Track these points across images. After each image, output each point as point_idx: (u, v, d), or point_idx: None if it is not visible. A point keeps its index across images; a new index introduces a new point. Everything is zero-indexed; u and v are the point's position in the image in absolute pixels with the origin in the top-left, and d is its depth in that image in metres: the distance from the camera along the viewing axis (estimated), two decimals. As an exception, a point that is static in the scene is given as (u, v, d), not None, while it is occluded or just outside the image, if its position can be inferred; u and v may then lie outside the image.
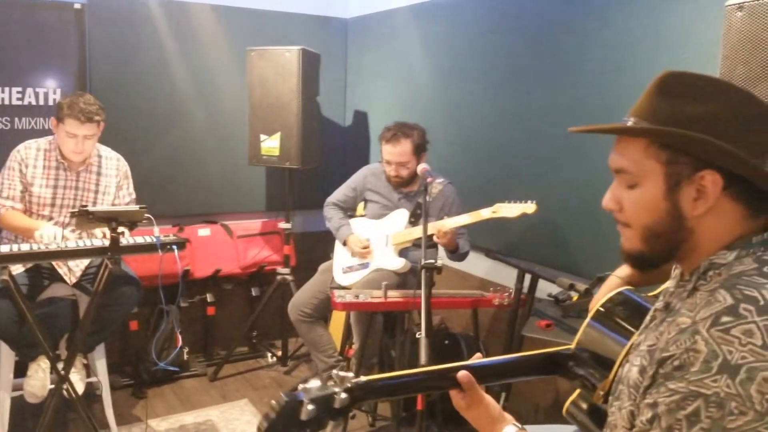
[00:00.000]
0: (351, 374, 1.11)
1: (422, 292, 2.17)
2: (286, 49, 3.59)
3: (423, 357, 2.03)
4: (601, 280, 2.50)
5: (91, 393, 3.30)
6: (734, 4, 1.82)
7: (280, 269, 3.89)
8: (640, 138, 1.11)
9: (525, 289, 2.73)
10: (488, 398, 1.30)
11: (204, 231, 3.96)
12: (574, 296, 2.69)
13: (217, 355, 4.03)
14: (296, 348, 4.11)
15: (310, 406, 1.03)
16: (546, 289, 2.76)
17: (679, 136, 1.04)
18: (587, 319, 1.41)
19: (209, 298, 3.98)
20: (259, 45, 3.76)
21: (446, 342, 3.23)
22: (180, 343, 3.62)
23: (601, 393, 1.31)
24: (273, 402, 1.04)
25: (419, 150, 3.00)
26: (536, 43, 2.98)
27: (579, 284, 2.43)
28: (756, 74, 1.77)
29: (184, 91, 3.85)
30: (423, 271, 2.23)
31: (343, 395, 1.07)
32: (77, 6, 3.51)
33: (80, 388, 2.94)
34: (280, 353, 4.06)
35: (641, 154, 1.09)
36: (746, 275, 1.01)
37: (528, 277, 2.68)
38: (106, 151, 3.17)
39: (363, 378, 1.14)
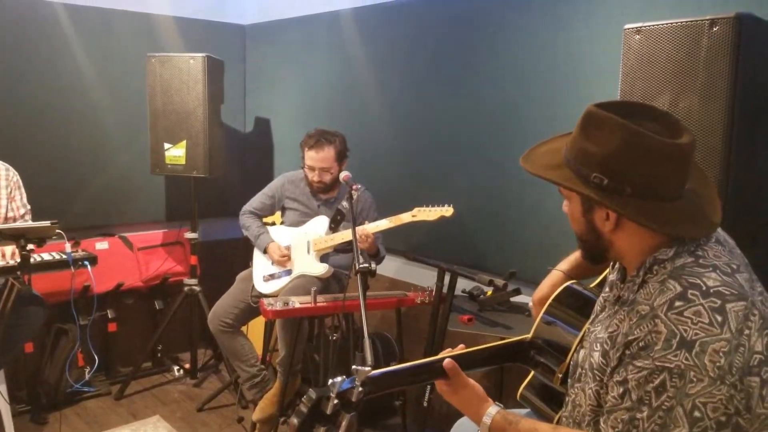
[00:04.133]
0: (368, 368, 1.19)
1: (360, 295, 2.25)
2: (191, 56, 3.52)
3: (368, 357, 2.11)
4: (513, 275, 2.74)
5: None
6: (633, 28, 2.08)
7: (187, 280, 3.80)
8: None
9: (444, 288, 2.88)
10: (472, 382, 1.43)
11: (102, 244, 3.78)
12: (488, 291, 2.90)
13: (120, 373, 3.87)
14: (207, 359, 4.04)
15: (336, 401, 1.10)
16: (458, 285, 2.93)
17: (570, 188, 1.28)
18: (541, 313, 1.58)
19: (110, 314, 3.81)
20: (155, 51, 3.66)
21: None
22: (83, 362, 3.45)
23: (559, 375, 1.48)
24: (304, 397, 1.11)
25: (341, 156, 3.08)
26: (436, 53, 3.15)
27: (497, 280, 2.64)
28: (652, 90, 2.03)
29: (76, 97, 3.66)
30: (359, 275, 2.31)
31: (360, 389, 1.16)
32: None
33: (-20, 418, 2.75)
34: (187, 366, 3.97)
35: None
36: (688, 267, 1.21)
37: (447, 276, 2.83)
38: None
39: (374, 372, 1.24)
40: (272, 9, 4.17)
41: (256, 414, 3.06)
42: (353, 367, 1.21)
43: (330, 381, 1.16)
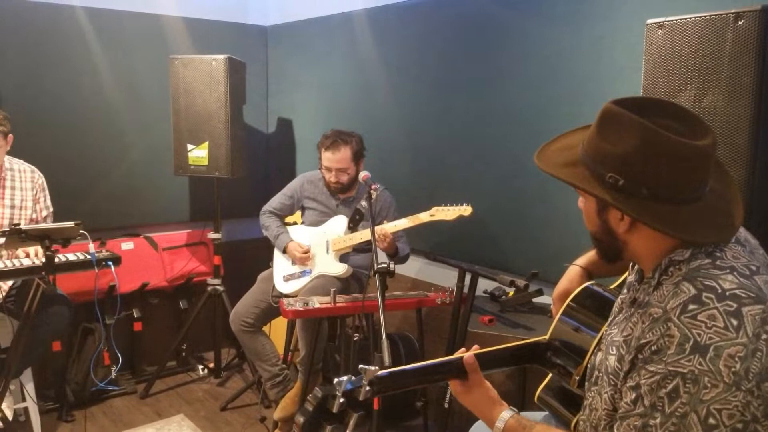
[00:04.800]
0: (375, 367, 1.18)
1: (378, 295, 2.25)
2: (212, 57, 3.55)
3: (386, 358, 2.11)
4: (535, 275, 2.70)
5: (15, 420, 3.14)
6: (655, 23, 2.03)
7: (211, 280, 3.83)
8: None
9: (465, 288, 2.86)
10: (487, 383, 1.41)
11: (127, 245, 3.83)
12: (510, 292, 2.87)
13: (145, 372, 3.92)
14: (231, 358, 4.08)
15: (342, 399, 1.10)
16: (480, 286, 2.90)
17: (583, 189, 1.24)
18: (558, 314, 1.55)
19: (135, 313, 3.86)
20: (178, 53, 3.70)
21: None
22: (109, 361, 3.51)
23: (576, 378, 1.45)
24: (310, 396, 1.11)
25: (358, 156, 3.08)
26: (457, 53, 3.11)
27: (518, 280, 2.60)
28: (676, 86, 1.98)
29: (100, 99, 3.71)
30: (377, 276, 2.30)
31: (368, 388, 1.15)
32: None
33: (9, 415, 2.81)
34: (212, 365, 4.00)
35: None
36: (703, 269, 1.17)
37: (468, 277, 2.80)
38: (19, 164, 3.04)
39: (381, 371, 1.22)
40: (294, 10, 4.18)
41: (278, 413, 3.07)
42: (360, 366, 1.20)
43: (336, 380, 1.15)
